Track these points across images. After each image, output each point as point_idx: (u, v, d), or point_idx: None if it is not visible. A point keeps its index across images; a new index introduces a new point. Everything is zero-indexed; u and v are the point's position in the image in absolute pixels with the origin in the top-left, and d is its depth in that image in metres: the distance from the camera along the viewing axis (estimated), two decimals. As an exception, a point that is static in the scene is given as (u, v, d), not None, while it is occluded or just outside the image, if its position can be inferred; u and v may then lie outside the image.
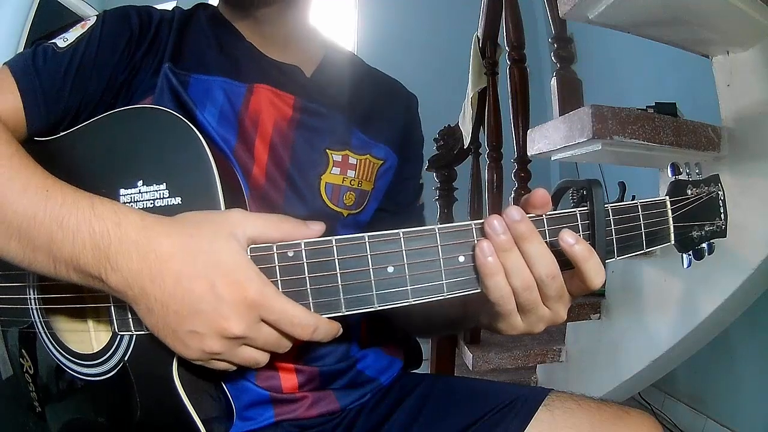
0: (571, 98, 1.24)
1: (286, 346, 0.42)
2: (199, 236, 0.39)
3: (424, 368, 0.74)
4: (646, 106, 1.12)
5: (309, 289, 0.40)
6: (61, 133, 0.50)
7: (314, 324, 0.40)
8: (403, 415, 0.60)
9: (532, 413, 0.56)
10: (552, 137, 1.07)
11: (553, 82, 1.28)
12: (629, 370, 1.26)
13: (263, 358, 0.42)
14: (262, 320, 0.39)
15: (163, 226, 0.39)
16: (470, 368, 1.40)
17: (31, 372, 0.53)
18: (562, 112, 1.18)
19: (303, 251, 0.40)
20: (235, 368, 0.42)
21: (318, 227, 0.42)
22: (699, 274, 1.09)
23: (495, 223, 0.40)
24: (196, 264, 0.38)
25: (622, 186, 0.56)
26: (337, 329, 0.42)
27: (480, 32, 1.76)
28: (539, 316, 0.43)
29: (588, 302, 1.36)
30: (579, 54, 1.33)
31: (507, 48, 1.54)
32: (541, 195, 0.42)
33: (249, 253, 0.40)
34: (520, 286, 0.40)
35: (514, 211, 0.40)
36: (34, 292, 0.51)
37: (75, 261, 0.39)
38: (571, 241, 0.40)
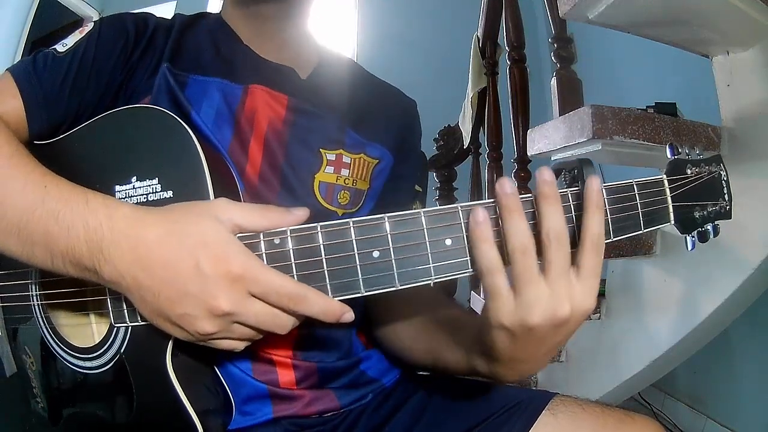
0: (571, 98, 1.24)
1: (284, 323, 0.40)
2: (185, 222, 0.40)
3: (425, 368, 0.74)
4: (646, 106, 1.12)
5: (295, 276, 0.41)
6: (60, 136, 0.52)
7: (303, 294, 0.39)
8: (405, 418, 0.60)
9: (535, 416, 0.56)
10: (552, 137, 1.07)
11: (553, 82, 1.28)
12: (629, 370, 1.26)
13: (257, 334, 0.42)
14: (251, 295, 0.39)
15: (151, 216, 0.40)
16: (470, 368, 1.39)
17: (34, 368, 0.54)
18: (562, 112, 1.18)
19: (288, 238, 0.41)
20: (241, 347, 0.42)
21: (302, 212, 0.42)
22: (699, 274, 1.09)
23: (506, 184, 0.39)
24: (182, 247, 0.38)
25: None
26: (338, 309, 0.40)
27: (480, 32, 1.76)
28: (537, 295, 0.38)
29: (588, 302, 1.36)
30: (579, 54, 1.33)
31: (507, 48, 1.54)
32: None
33: None
34: (518, 248, 0.38)
35: (545, 173, 0.39)
36: (36, 288, 0.52)
37: (71, 254, 0.40)
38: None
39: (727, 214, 0.49)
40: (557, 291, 0.39)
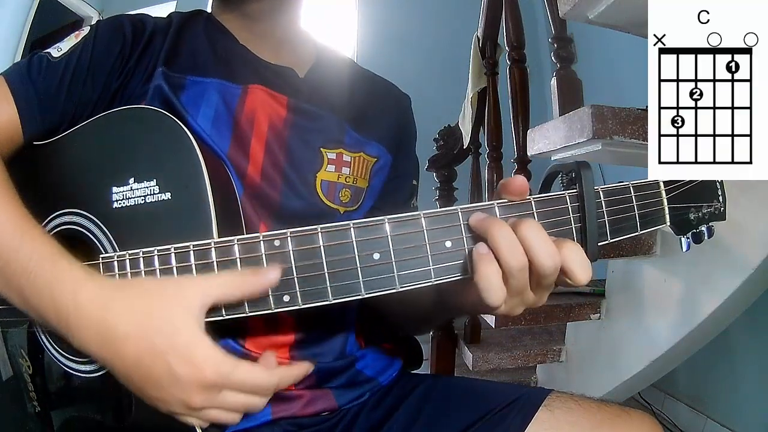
0: (571, 98, 1.24)
1: (259, 404, 0.43)
2: (155, 316, 0.39)
3: (424, 368, 0.74)
4: (646, 106, 1.12)
5: (296, 278, 0.41)
6: (55, 137, 0.51)
7: (275, 381, 0.43)
8: (404, 416, 0.60)
9: (532, 413, 0.56)
10: (552, 137, 1.07)
11: (553, 82, 1.28)
12: (629, 370, 1.26)
13: (245, 406, 0.43)
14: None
15: (119, 302, 0.39)
16: (470, 368, 1.40)
17: (30, 372, 0.54)
18: (562, 112, 1.18)
19: (289, 239, 0.41)
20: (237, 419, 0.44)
21: (275, 273, 0.40)
22: (699, 274, 1.09)
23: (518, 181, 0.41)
24: (152, 346, 0.39)
25: (622, 186, 0.56)
26: (305, 369, 0.47)
27: (480, 32, 1.76)
28: (523, 300, 0.42)
29: (588, 302, 1.36)
30: (579, 54, 1.33)
31: (507, 48, 1.54)
32: (519, 183, 0.41)
33: (236, 243, 0.41)
34: (515, 266, 0.39)
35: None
36: None
37: (42, 317, 0.41)
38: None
39: (721, 215, 0.50)
40: (541, 294, 0.43)
